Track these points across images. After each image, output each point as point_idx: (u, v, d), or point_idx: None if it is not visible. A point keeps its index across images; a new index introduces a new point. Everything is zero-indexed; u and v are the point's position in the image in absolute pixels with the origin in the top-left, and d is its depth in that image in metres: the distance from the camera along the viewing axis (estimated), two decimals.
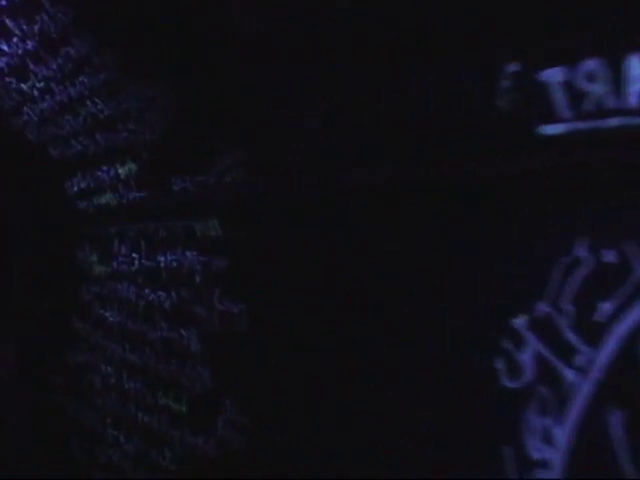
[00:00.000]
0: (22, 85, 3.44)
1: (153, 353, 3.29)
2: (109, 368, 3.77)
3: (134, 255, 3.44)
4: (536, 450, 1.55)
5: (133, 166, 3.11)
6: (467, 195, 1.72)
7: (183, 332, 3.00)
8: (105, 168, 3.43)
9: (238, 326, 2.65)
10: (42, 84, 3.26)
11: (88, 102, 3.01)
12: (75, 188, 3.90)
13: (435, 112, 1.75)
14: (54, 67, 3.02)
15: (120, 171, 3.28)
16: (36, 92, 3.37)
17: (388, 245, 2.02)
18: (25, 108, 3.62)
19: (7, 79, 3.47)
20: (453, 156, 1.71)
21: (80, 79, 2.92)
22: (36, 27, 2.79)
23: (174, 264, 3.06)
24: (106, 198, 3.58)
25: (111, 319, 3.72)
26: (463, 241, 1.76)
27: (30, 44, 2.98)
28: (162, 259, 3.16)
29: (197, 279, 2.88)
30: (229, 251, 2.69)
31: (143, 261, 3.36)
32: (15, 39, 3.05)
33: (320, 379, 2.38)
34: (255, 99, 2.38)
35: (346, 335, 2.24)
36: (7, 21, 2.87)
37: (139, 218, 3.34)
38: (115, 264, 3.68)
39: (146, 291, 3.33)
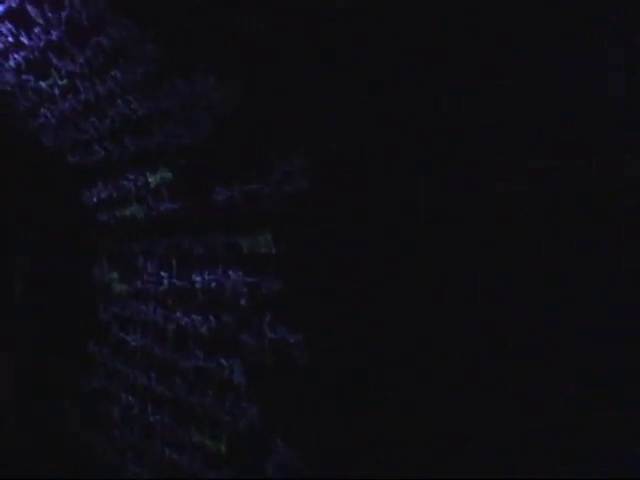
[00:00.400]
0: (41, 83, 3.08)
1: (185, 384, 2.92)
2: (131, 397, 3.39)
3: (163, 274, 3.08)
4: None
5: (167, 174, 2.75)
6: None
7: (224, 362, 2.63)
8: (132, 176, 3.06)
9: (295, 357, 2.28)
10: (65, 81, 2.90)
11: (119, 101, 2.65)
12: (94, 199, 3.54)
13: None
14: (81, 61, 2.66)
15: (150, 180, 2.92)
16: (57, 91, 3.01)
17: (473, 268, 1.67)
18: (42, 110, 3.26)
19: (24, 77, 3.11)
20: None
21: (112, 74, 2.57)
22: (63, 14, 2.43)
23: (213, 285, 2.70)
24: (131, 210, 3.22)
25: (133, 343, 3.35)
26: None
27: (55, 34, 2.62)
28: (198, 279, 2.80)
29: (242, 302, 2.51)
30: (285, 271, 2.33)
31: (174, 281, 2.99)
32: (37, 29, 2.70)
33: (390, 420, 2.02)
34: (323, 96, 2.03)
35: (427, 372, 1.89)
36: (29, 8, 2.51)
37: (171, 232, 2.97)
38: (139, 283, 3.31)
39: (177, 314, 2.96)
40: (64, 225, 3.94)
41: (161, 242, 3.10)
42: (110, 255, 3.64)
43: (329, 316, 2.20)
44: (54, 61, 2.83)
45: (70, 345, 4.06)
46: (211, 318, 2.72)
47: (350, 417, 2.16)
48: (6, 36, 2.90)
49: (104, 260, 3.69)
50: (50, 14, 2.50)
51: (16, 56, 3.01)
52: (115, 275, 3.58)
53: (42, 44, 2.77)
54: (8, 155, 3.78)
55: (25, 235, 4.33)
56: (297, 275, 2.31)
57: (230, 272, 2.58)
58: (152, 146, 2.73)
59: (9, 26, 2.82)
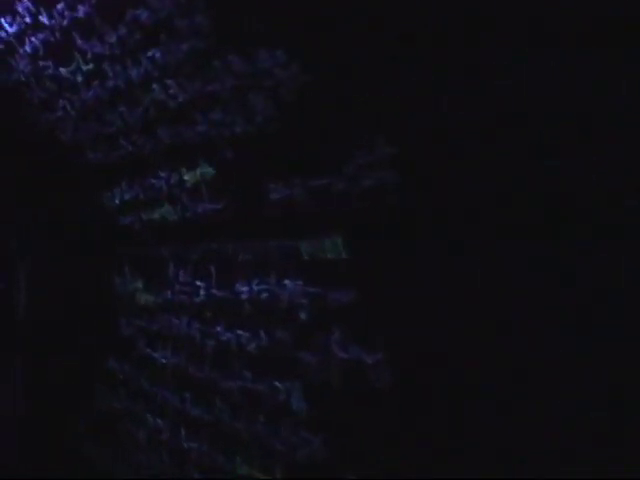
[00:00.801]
0: (61, 70, 2.73)
1: (228, 407, 2.57)
2: (159, 420, 3.04)
3: (199, 283, 2.73)
4: None
5: (208, 170, 2.41)
6: None
7: (279, 385, 2.29)
8: (164, 174, 2.72)
9: (373, 380, 1.94)
10: (90, 66, 2.55)
11: (156, 86, 2.30)
12: (116, 200, 3.19)
13: None
14: (112, 40, 2.32)
15: (186, 177, 2.57)
16: (80, 77, 2.66)
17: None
18: (61, 100, 2.91)
19: (42, 63, 2.77)
20: None
21: (150, 54, 2.23)
22: None
23: (264, 296, 2.36)
24: (161, 212, 2.87)
25: (163, 360, 2.99)
26: None
27: (82, 10, 2.28)
28: (244, 289, 2.46)
29: (302, 316, 2.17)
30: (359, 280, 1.98)
31: (213, 291, 2.65)
32: (60, 5, 2.35)
33: (485, 453, 1.69)
34: (412, 72, 1.69)
35: (525, 397, 1.57)
36: None
37: (210, 237, 2.63)
38: (169, 293, 2.96)
39: (217, 329, 2.61)
40: (81, 229, 3.58)
41: (197, 247, 2.75)
42: (134, 262, 3.28)
43: (413, 331, 1.86)
44: (78, 43, 2.49)
45: (86, 361, 3.70)
46: (261, 334, 2.38)
47: (439, 452, 1.83)
48: (23, 17, 2.56)
49: (126, 268, 3.33)
50: None
51: (33, 39, 2.67)
52: (140, 285, 3.23)
53: (65, 23, 2.43)
54: (19, 153, 3.42)
55: (37, 241, 3.98)
56: (373, 284, 1.97)
57: (286, 281, 2.24)
58: (192, 138, 2.39)
59: (27, 4, 2.47)
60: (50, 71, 2.79)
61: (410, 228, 1.83)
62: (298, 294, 2.21)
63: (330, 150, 1.93)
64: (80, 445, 3.78)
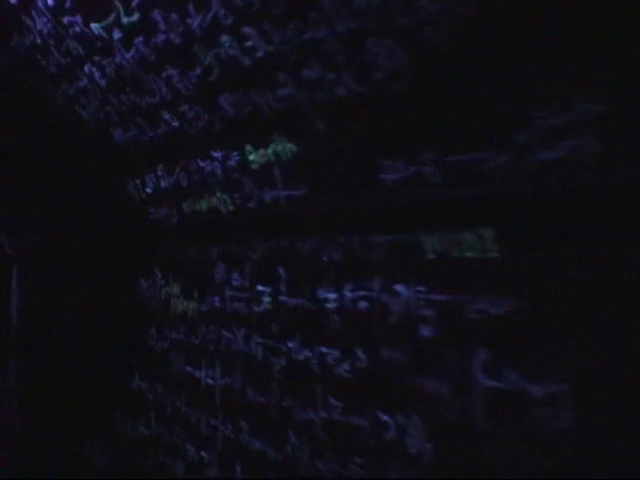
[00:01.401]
0: (93, 26, 2.19)
1: (308, 444, 2.06)
2: (204, 453, 2.51)
3: (262, 288, 2.22)
4: None
5: (287, 147, 1.90)
6: None
7: (386, 419, 1.79)
8: (219, 154, 2.20)
9: (542, 419, 1.44)
10: (135, 17, 2.02)
11: (226, 37, 1.78)
12: (148, 189, 2.66)
13: None
14: None
15: (253, 157, 2.06)
16: (118, 34, 2.13)
17: None
18: (87, 66, 2.37)
19: (67, 19, 2.22)
20: None
21: None
22: None
23: (362, 305, 1.85)
24: (211, 202, 2.35)
25: (209, 381, 2.47)
26: None
27: None
28: (330, 296, 1.95)
29: (425, 332, 1.66)
30: (516, 286, 1.48)
31: (283, 298, 2.14)
32: None
33: None
34: None
35: None
36: None
37: (280, 232, 2.11)
38: (218, 300, 2.44)
39: (290, 345, 2.10)
40: (100, 224, 3.05)
41: (259, 245, 2.23)
42: (168, 263, 2.75)
43: (599, 354, 1.37)
44: None
45: (102, 378, 3.16)
46: (358, 353, 1.87)
47: None
48: None
49: (157, 270, 2.80)
50: None
51: None
52: (175, 289, 2.70)
53: None
54: (31, 134, 2.87)
55: (52, 237, 3.43)
56: (536, 292, 1.47)
57: (399, 287, 1.73)
58: (269, 106, 1.87)
59: None
60: (77, 29, 2.24)
61: (608, 217, 1.33)
62: (418, 303, 1.70)
63: (489, 113, 1.42)
64: (96, 476, 3.24)
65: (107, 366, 3.16)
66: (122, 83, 2.30)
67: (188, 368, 2.64)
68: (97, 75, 2.36)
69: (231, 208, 2.27)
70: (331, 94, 1.70)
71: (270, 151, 2.02)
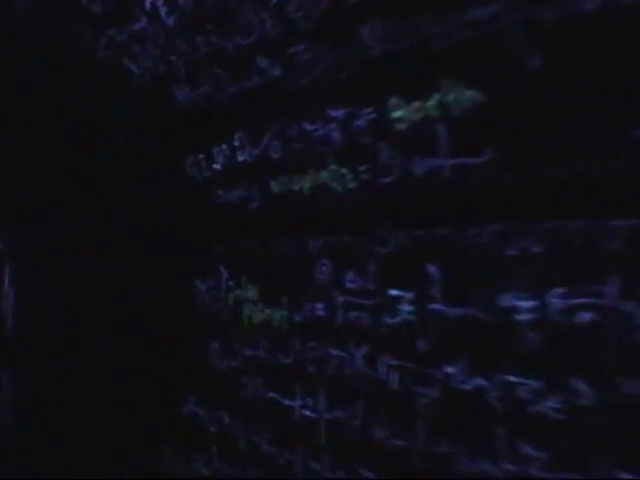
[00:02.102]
0: None
1: None
2: None
3: (398, 293, 1.64)
4: None
5: (468, 95, 1.31)
6: None
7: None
8: (340, 112, 1.61)
9: None
10: None
11: None
12: (217, 165, 2.06)
13: None
14: None
15: (399, 113, 1.48)
16: None
17: None
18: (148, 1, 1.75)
19: None
20: None
21: None
22: None
23: (582, 317, 1.30)
24: (321, 178, 1.76)
25: (308, 413, 1.90)
26: None
27: None
28: (523, 304, 1.41)
29: None
30: None
31: (435, 307, 1.55)
32: None
33: None
34: None
35: None
36: None
37: (443, 214, 1.53)
38: (320, 308, 1.87)
39: (448, 371, 1.52)
40: (144, 211, 2.44)
41: (392, 236, 1.64)
42: (237, 260, 2.15)
43: None
44: None
45: (141, 399, 2.56)
46: (575, 384, 1.30)
47: None
48: None
49: (222, 268, 2.20)
50: None
51: None
52: (251, 293, 2.11)
53: None
54: (56, 101, 2.25)
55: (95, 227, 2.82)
56: None
57: None
58: (445, 36, 1.27)
59: None
60: None
61: None
62: None
63: None
64: None
65: (142, 384, 2.55)
66: (201, 19, 1.69)
67: (272, 394, 2.05)
68: (164, 12, 1.74)
69: (352, 185, 1.68)
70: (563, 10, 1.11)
71: (433, 103, 1.43)
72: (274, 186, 1.93)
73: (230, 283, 2.22)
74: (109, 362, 2.76)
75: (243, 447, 2.17)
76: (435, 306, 1.59)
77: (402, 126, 1.53)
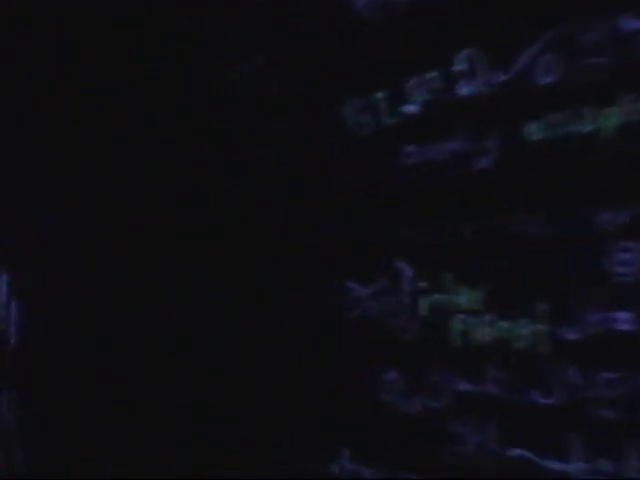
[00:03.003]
0: None
1: None
2: None
3: None
4: None
5: None
6: None
7: None
8: None
9: None
10: None
11: None
12: (412, 106, 1.32)
13: None
14: None
15: None
16: None
17: None
18: None
19: None
20: None
21: None
22: None
23: None
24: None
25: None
26: None
27: None
28: None
29: None
30: None
31: None
32: None
33: None
34: None
35: None
36: None
37: None
38: (622, 320, 1.10)
39: None
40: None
41: None
42: (433, 252, 1.43)
43: None
44: None
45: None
46: None
47: None
48: None
49: (403, 264, 1.47)
50: None
51: None
52: (466, 299, 1.38)
53: None
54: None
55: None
56: None
57: None
58: None
59: None
60: None
61: None
62: None
63: None
64: None
65: (254, 431, 1.81)
66: None
67: (519, 452, 1.32)
68: None
69: None
70: None
71: None
72: (534, 129, 1.19)
73: (421, 284, 1.49)
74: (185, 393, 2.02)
75: None
76: None
77: None
